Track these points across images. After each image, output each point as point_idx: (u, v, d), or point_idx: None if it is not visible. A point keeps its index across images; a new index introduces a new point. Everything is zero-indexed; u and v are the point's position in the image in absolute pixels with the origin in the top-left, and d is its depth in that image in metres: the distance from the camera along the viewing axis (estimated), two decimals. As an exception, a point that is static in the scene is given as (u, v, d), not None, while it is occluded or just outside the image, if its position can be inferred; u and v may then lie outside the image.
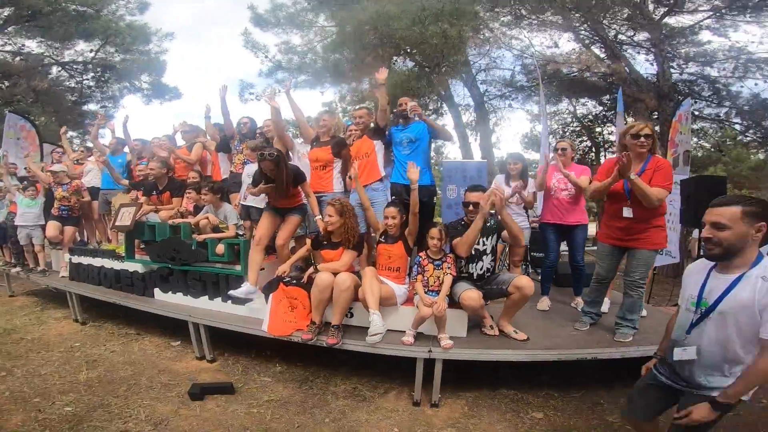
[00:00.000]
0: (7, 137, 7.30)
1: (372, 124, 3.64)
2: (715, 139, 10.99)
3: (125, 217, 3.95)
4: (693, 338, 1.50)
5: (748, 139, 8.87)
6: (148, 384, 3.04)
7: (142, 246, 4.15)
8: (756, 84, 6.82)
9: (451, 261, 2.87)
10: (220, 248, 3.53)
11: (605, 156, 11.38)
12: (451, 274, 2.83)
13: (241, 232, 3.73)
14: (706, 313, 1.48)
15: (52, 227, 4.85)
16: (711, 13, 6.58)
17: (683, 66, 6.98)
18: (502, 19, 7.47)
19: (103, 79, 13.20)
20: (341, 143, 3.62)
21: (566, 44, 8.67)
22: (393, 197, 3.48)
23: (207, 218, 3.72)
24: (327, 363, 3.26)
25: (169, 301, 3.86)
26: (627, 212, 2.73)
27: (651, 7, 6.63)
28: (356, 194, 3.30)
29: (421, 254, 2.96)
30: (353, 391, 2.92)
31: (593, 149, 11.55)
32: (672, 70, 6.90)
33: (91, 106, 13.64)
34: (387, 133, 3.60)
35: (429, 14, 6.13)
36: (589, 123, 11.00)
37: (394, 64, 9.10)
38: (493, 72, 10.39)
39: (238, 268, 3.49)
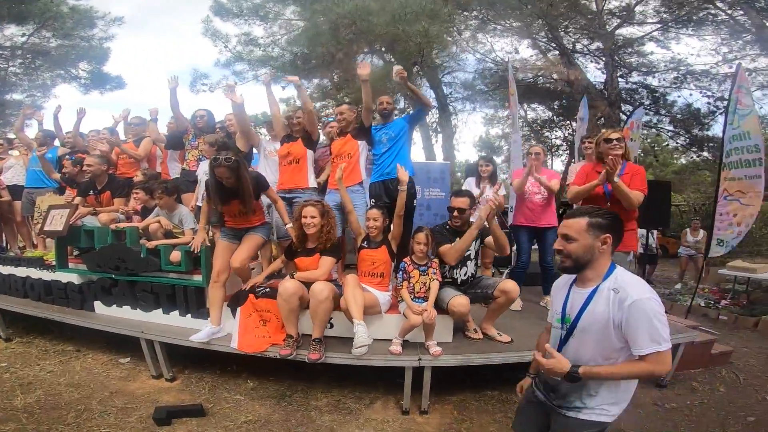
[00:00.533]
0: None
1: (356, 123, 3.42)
2: (644, 144, 12.14)
3: (56, 221, 3.37)
4: (565, 355, 1.39)
5: (675, 144, 9.90)
6: (101, 409, 2.64)
7: (76, 253, 3.60)
8: (691, 94, 7.61)
9: (437, 266, 2.80)
10: (176, 256, 3.12)
11: (553, 160, 12.09)
12: (437, 279, 2.75)
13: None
14: (570, 329, 1.42)
15: None
16: (659, 25, 7.18)
17: (627, 75, 7.57)
18: (469, 23, 7.57)
19: (33, 66, 11.43)
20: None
21: (525, 51, 9.04)
22: (372, 199, 3.32)
23: (158, 222, 3.28)
24: (303, 376, 3.04)
25: (114, 316, 3.37)
26: None
27: (605, 18, 7.07)
28: (333, 195, 3.08)
29: (405, 260, 2.84)
30: (337, 404, 2.75)
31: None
32: (619, 79, 7.46)
33: (15, 96, 11.89)
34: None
35: (409, 12, 6.00)
36: (538, 127, 11.61)
37: (366, 60, 8.93)
38: (457, 74, 10.56)
39: (198, 278, 3.11)
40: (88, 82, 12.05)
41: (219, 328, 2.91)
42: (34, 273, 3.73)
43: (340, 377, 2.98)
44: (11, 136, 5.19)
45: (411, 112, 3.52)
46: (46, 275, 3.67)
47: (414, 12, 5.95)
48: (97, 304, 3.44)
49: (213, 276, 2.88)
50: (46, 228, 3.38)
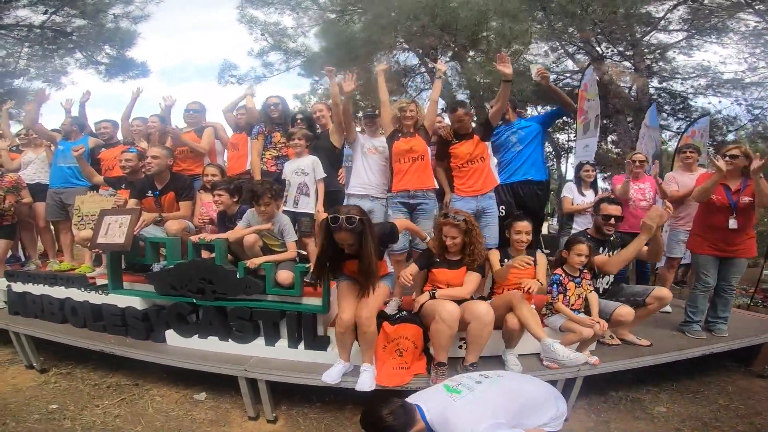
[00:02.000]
0: None
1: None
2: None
3: (114, 231, 2.66)
4: None
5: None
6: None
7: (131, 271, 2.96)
8: (720, 101, 7.81)
9: (589, 277, 2.69)
10: (286, 276, 2.56)
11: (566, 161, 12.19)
12: (592, 290, 2.68)
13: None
14: None
15: None
16: (687, 32, 7.25)
17: (650, 81, 7.65)
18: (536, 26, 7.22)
19: (52, 48, 9.71)
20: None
21: (551, 55, 8.87)
22: (502, 206, 3.02)
23: (257, 233, 2.68)
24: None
25: (193, 348, 2.74)
26: (732, 224, 2.87)
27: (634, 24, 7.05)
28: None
29: (558, 272, 2.66)
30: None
31: (553, 154, 12.32)
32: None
33: (17, 83, 10.27)
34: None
35: (492, 11, 5.64)
36: (551, 129, 11.62)
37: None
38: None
39: (316, 301, 2.57)
40: (110, 67, 10.39)
41: (351, 365, 2.40)
42: (77, 294, 2.98)
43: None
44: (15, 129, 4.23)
45: (548, 110, 3.16)
46: (95, 297, 2.93)
47: (498, 11, 5.58)
48: (170, 335, 2.78)
49: (341, 325, 2.30)
50: (100, 240, 2.66)
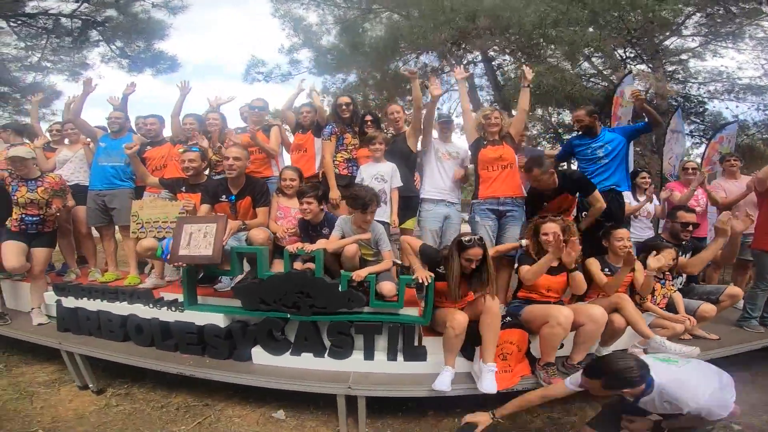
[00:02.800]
0: None
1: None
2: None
3: (199, 241, 2.39)
4: None
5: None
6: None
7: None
8: (737, 106, 8.07)
9: (671, 278, 2.90)
10: (391, 287, 2.40)
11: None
12: (676, 290, 2.90)
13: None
14: None
15: (14, 253, 2.89)
16: (705, 38, 7.44)
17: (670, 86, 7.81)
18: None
19: (78, 39, 8.77)
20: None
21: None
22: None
23: (356, 243, 2.50)
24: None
25: (283, 366, 2.53)
26: None
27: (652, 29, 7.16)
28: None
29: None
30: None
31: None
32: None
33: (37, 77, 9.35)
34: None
35: (552, 17, 5.56)
36: (561, 131, 11.71)
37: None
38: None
39: (412, 312, 2.48)
40: (138, 61, 9.55)
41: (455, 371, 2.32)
42: (144, 311, 2.70)
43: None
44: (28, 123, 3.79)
45: (635, 125, 3.27)
46: (166, 314, 2.66)
47: (559, 18, 5.50)
48: (257, 353, 2.56)
49: (457, 327, 2.23)
50: (183, 252, 2.39)
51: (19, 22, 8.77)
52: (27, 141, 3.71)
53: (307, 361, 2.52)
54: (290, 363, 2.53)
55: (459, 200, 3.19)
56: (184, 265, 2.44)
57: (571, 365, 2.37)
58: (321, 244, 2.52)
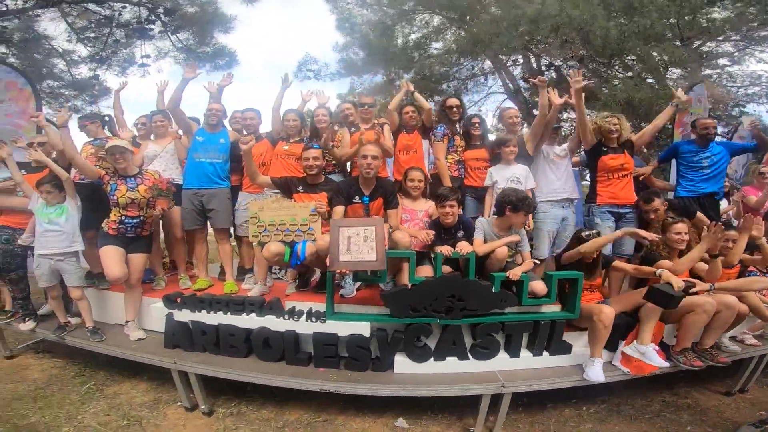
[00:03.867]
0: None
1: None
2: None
3: (359, 246, 2.30)
4: None
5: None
6: None
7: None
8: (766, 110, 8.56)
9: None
10: (543, 287, 2.46)
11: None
12: None
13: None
14: None
15: (116, 260, 2.66)
16: (741, 43, 7.67)
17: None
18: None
19: (140, 31, 7.89)
20: None
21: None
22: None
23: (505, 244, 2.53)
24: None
25: (425, 373, 2.50)
26: None
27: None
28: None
29: (752, 269, 2.99)
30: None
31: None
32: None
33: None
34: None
35: (632, 32, 5.66)
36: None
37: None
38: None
39: (555, 308, 2.58)
40: (199, 55, 8.70)
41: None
42: (276, 323, 2.55)
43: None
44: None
45: (743, 144, 3.56)
46: (303, 326, 2.53)
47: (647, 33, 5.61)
48: (400, 361, 2.51)
49: (608, 319, 2.39)
50: (344, 258, 2.29)
51: (76, 11, 7.79)
52: (109, 134, 3.37)
53: (450, 365, 2.52)
54: (433, 369, 2.51)
55: (579, 194, 3.30)
56: (348, 272, 2.33)
57: (703, 349, 2.56)
58: (466, 247, 2.51)
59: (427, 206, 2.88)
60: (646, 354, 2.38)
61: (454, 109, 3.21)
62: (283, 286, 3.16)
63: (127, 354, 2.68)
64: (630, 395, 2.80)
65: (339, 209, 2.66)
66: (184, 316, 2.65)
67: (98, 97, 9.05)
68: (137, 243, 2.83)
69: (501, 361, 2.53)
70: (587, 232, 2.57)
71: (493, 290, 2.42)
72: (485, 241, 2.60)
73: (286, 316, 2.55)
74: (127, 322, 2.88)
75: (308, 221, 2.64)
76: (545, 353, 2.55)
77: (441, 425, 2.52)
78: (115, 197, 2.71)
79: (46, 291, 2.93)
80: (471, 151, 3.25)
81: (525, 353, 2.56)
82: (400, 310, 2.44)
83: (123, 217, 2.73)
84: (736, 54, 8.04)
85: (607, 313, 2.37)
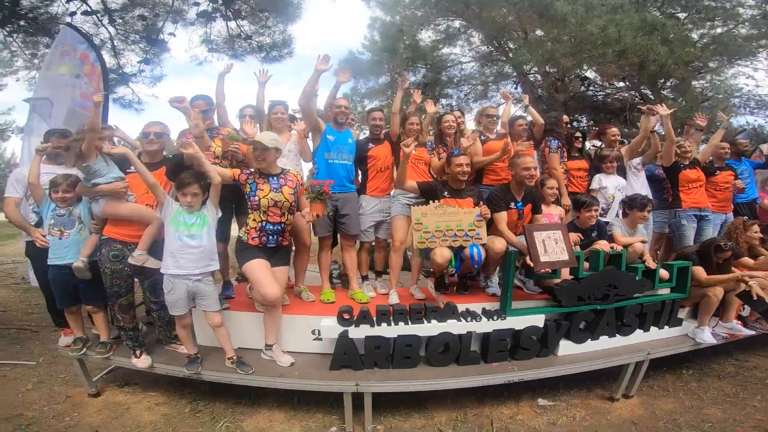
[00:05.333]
0: (57, 72, 3.40)
1: None
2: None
3: (553, 247, 2.50)
4: None
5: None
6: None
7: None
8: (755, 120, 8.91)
9: None
10: (666, 272, 2.96)
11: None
12: None
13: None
14: None
15: (271, 277, 2.40)
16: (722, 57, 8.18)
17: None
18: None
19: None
20: None
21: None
22: None
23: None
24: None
25: (581, 352, 2.83)
26: None
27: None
28: None
29: None
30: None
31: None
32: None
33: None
34: None
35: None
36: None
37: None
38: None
39: (665, 290, 3.10)
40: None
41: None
42: (457, 327, 2.57)
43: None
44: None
45: (757, 162, 4.39)
46: (483, 326, 2.61)
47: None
48: (564, 345, 2.80)
49: (717, 295, 2.97)
50: (545, 259, 2.47)
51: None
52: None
53: (602, 343, 2.88)
54: (589, 348, 2.84)
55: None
56: (550, 270, 2.47)
57: None
58: (605, 246, 2.86)
59: (559, 211, 3.20)
60: (734, 327, 3.08)
61: (564, 125, 3.55)
62: (401, 291, 3.15)
63: (296, 384, 2.42)
64: (707, 361, 3.37)
65: (504, 215, 2.80)
66: (360, 332, 2.48)
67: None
68: (279, 254, 2.53)
69: (637, 335, 2.97)
70: (724, 243, 3.06)
71: (637, 278, 2.84)
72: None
73: (469, 318, 2.59)
74: (269, 346, 2.57)
75: (474, 226, 2.68)
76: (666, 327, 3.06)
77: (578, 398, 2.83)
78: (257, 198, 2.37)
79: (177, 318, 2.43)
80: (573, 161, 3.63)
81: (652, 328, 3.02)
82: (570, 301, 2.70)
83: (264, 223, 2.41)
84: (717, 68, 8.84)
85: (719, 291, 2.95)
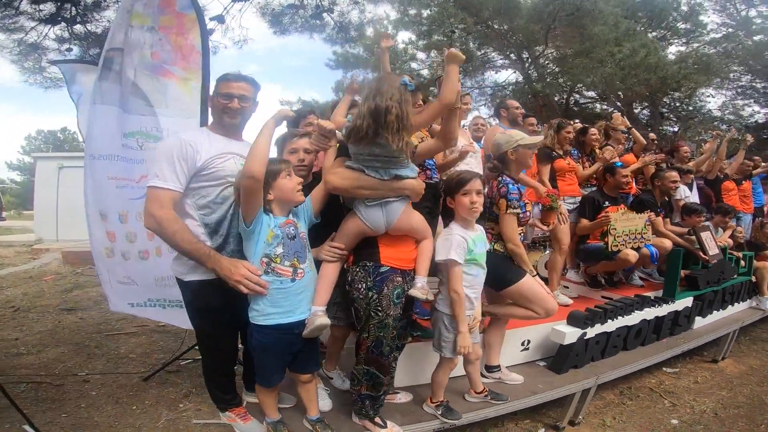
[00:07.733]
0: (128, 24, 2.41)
1: None
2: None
3: (711, 245, 3.31)
4: None
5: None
6: None
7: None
8: None
9: None
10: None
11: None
12: None
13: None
14: None
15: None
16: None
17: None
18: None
19: None
20: None
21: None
22: None
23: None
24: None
25: (703, 325, 3.68)
26: None
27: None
28: None
29: None
30: None
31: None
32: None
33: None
34: None
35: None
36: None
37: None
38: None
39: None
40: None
41: None
42: (648, 313, 3.15)
43: None
44: None
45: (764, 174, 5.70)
46: (662, 310, 3.26)
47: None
48: (698, 320, 3.63)
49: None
50: (711, 253, 3.22)
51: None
52: None
53: (714, 317, 3.80)
54: (709, 320, 3.72)
55: None
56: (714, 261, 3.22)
57: None
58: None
59: None
60: None
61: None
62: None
63: (547, 396, 2.42)
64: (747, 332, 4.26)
65: (659, 220, 3.57)
66: (595, 331, 2.77)
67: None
68: None
69: (729, 309, 3.94)
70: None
71: (732, 265, 3.82)
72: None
73: (657, 305, 3.18)
74: (495, 367, 2.47)
75: (645, 229, 3.32)
76: (737, 303, 4.10)
77: (691, 364, 3.54)
78: (528, 214, 2.43)
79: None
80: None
81: (737, 303, 4.03)
82: (704, 285, 3.53)
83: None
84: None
85: None
